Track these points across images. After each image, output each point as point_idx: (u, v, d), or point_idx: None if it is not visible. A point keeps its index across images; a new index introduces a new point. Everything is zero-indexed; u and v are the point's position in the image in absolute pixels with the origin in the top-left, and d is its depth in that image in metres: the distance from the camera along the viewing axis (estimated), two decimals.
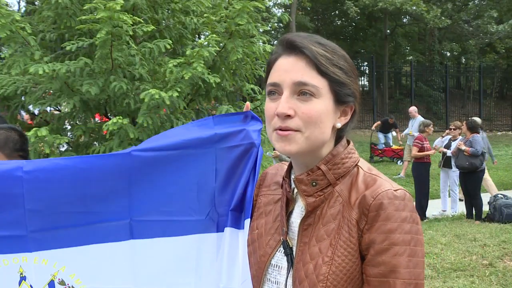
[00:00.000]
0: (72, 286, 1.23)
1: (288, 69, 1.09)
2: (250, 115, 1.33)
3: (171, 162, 1.25)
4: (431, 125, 9.11)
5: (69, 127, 4.86)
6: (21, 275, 1.22)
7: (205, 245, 1.26)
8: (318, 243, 1.10)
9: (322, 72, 1.08)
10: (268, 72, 1.15)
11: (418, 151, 8.74)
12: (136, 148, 1.24)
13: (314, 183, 1.14)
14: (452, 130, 9.03)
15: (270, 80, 1.12)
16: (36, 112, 4.95)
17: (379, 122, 15.64)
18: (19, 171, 1.18)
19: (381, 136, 15.58)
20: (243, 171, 1.27)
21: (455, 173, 8.74)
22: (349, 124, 1.18)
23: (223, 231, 1.27)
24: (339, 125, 1.14)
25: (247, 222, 1.26)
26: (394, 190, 1.07)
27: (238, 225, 1.26)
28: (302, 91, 1.08)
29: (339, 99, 1.12)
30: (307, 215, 1.14)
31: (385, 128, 15.50)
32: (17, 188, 1.18)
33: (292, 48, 1.10)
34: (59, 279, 1.22)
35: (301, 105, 1.08)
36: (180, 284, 1.26)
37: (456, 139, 8.84)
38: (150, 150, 1.24)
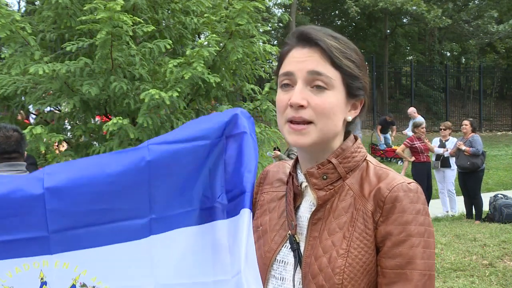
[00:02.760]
0: (94, 287, 1.22)
1: (303, 60, 1.10)
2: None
3: (187, 154, 1.24)
4: (421, 126, 9.04)
5: (69, 127, 4.86)
6: (41, 280, 1.20)
7: (218, 233, 1.25)
8: (330, 236, 1.10)
9: (335, 65, 1.09)
10: (280, 63, 1.16)
11: (411, 151, 8.79)
12: (152, 141, 1.23)
13: (324, 177, 1.14)
14: (443, 130, 9.02)
15: (283, 70, 1.13)
16: (34, 111, 4.95)
17: (380, 126, 15.69)
18: (39, 185, 1.16)
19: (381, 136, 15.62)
20: (242, 158, 1.27)
21: (452, 172, 8.72)
22: (358, 118, 1.19)
23: (232, 217, 1.25)
24: (349, 119, 1.15)
25: (245, 212, 1.23)
26: (408, 183, 1.09)
27: (236, 212, 1.25)
28: (315, 83, 1.09)
29: (351, 92, 1.13)
30: (317, 209, 1.14)
31: (384, 128, 15.54)
32: (39, 194, 1.16)
33: (306, 40, 1.11)
34: (80, 282, 1.21)
35: (315, 96, 1.09)
36: (199, 274, 1.24)
37: (448, 140, 8.83)
38: (167, 143, 1.23)
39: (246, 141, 1.29)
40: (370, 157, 1.20)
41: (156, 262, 1.23)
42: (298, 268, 1.14)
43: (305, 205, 1.20)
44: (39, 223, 1.16)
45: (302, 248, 1.15)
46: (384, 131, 15.59)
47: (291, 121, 1.11)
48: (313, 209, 1.16)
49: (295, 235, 1.16)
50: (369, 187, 1.11)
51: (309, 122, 1.09)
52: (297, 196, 1.20)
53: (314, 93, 1.09)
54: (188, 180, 1.26)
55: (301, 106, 1.08)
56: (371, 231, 1.08)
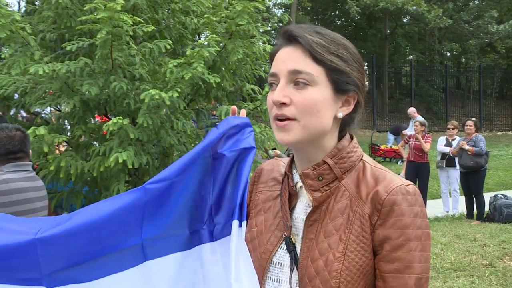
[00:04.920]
0: None
1: (285, 59, 1.10)
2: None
3: (179, 186, 1.26)
4: (415, 123, 9.03)
5: (69, 127, 4.86)
6: None
7: (207, 255, 1.27)
8: (326, 238, 1.09)
9: (317, 60, 1.07)
10: (270, 64, 1.17)
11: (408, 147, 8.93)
12: (149, 181, 1.25)
13: (320, 178, 1.13)
14: (451, 129, 8.99)
15: (271, 71, 1.13)
16: (33, 112, 4.95)
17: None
18: (32, 234, 1.19)
19: (391, 137, 15.67)
20: (238, 175, 1.28)
21: (457, 172, 8.69)
22: (353, 116, 1.17)
23: (222, 239, 1.27)
24: (340, 115, 1.13)
25: (234, 223, 1.24)
26: (406, 186, 1.08)
27: (228, 232, 1.26)
28: (297, 80, 1.07)
29: (338, 88, 1.10)
30: (313, 211, 1.13)
31: (395, 132, 15.65)
32: (30, 242, 1.18)
33: (289, 39, 1.10)
34: None
35: (297, 93, 1.07)
36: None
37: (454, 139, 8.82)
38: (161, 181, 1.25)
39: (251, 157, 1.29)
40: (366, 157, 1.19)
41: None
42: (295, 269, 1.13)
43: (300, 206, 1.18)
44: (32, 267, 1.19)
45: (298, 250, 1.14)
46: (395, 133, 15.66)
47: (277, 119, 1.10)
48: (308, 210, 1.14)
49: (291, 236, 1.15)
50: (366, 189, 1.10)
51: (293, 119, 1.08)
52: (292, 197, 1.19)
53: (296, 90, 1.08)
54: (179, 206, 1.27)
55: (283, 104, 1.07)
56: (368, 234, 1.07)
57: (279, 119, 1.09)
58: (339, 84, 1.10)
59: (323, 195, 1.12)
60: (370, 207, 1.07)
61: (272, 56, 1.16)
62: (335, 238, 1.08)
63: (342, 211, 1.10)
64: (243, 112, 1.41)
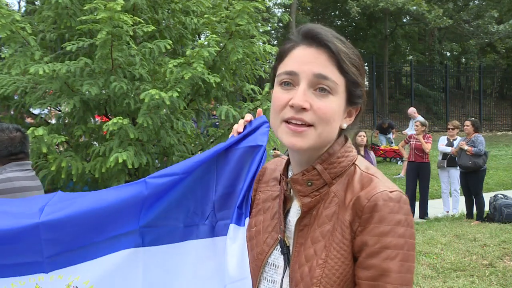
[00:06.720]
0: None
1: (309, 60, 1.05)
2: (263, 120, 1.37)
3: (181, 183, 1.29)
4: (416, 123, 9.06)
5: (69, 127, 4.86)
6: None
7: (206, 250, 1.29)
8: (313, 244, 1.08)
9: (342, 70, 1.05)
10: (280, 59, 1.11)
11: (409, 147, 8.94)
12: (151, 176, 1.29)
13: (309, 183, 1.11)
14: (451, 129, 8.99)
15: (285, 68, 1.08)
16: (36, 112, 4.95)
17: (377, 131, 15.91)
18: (36, 217, 1.21)
19: (382, 138, 15.74)
20: (248, 171, 1.29)
21: (459, 172, 8.69)
22: (352, 126, 1.17)
23: (224, 235, 1.28)
24: (345, 126, 1.13)
25: (247, 220, 1.27)
26: (390, 192, 1.03)
27: (239, 222, 1.27)
28: (320, 86, 1.05)
29: (351, 100, 1.10)
30: (302, 216, 1.12)
31: (384, 131, 15.71)
32: (34, 227, 1.21)
33: (313, 39, 1.06)
34: (74, 287, 1.25)
35: (317, 100, 1.04)
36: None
37: (455, 139, 8.81)
38: (164, 176, 1.28)
39: (259, 155, 1.31)
40: (359, 161, 1.15)
41: (147, 275, 1.28)
42: (287, 272, 1.12)
43: (294, 210, 1.17)
44: (35, 250, 1.21)
45: (291, 253, 1.14)
46: (384, 133, 15.71)
47: (288, 121, 1.06)
48: (299, 215, 1.13)
49: (285, 239, 1.15)
50: (351, 195, 1.06)
51: (309, 125, 1.05)
52: (288, 200, 1.18)
53: (317, 97, 1.05)
54: (178, 200, 1.30)
55: (303, 109, 1.04)
56: (348, 241, 1.04)
57: (293, 122, 1.05)
58: (353, 97, 1.10)
59: (313, 200, 1.10)
60: (351, 213, 1.04)
61: (285, 51, 1.10)
62: (321, 244, 1.07)
63: (329, 217, 1.08)
64: (260, 112, 1.40)
